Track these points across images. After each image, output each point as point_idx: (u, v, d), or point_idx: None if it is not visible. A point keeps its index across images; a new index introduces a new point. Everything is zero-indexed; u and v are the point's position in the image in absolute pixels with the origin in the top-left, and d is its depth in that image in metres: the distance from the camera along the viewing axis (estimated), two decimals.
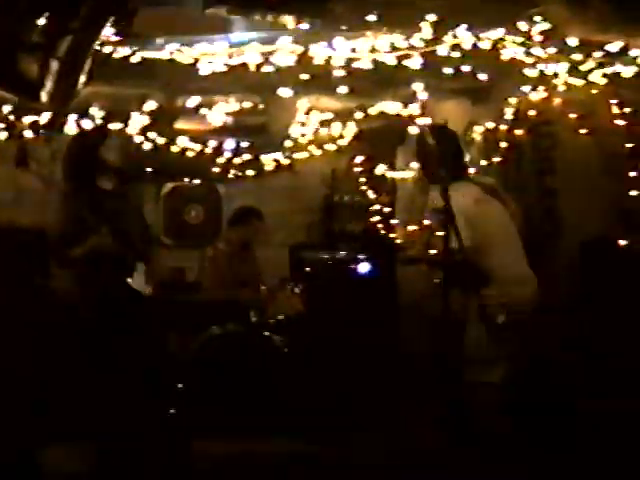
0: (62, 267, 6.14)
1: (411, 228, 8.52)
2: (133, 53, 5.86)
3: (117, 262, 5.88)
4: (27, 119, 7.41)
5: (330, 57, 5.97)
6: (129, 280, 6.03)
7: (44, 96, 5.57)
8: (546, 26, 5.67)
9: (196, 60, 6.03)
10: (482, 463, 5.12)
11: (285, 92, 6.45)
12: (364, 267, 9.17)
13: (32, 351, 6.19)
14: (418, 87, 6.79)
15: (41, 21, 5.09)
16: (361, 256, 9.14)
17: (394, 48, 5.87)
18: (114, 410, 5.87)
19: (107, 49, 5.78)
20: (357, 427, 6.77)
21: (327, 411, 7.20)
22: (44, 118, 7.36)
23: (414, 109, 7.56)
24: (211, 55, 5.94)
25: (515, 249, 5.55)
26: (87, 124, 7.32)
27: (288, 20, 5.63)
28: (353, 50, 5.94)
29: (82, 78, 5.57)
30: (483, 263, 5.35)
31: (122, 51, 5.84)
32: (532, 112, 7.07)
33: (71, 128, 7.40)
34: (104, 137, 6.05)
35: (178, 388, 7.06)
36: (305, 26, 5.63)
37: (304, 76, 6.29)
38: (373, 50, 5.91)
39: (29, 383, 5.86)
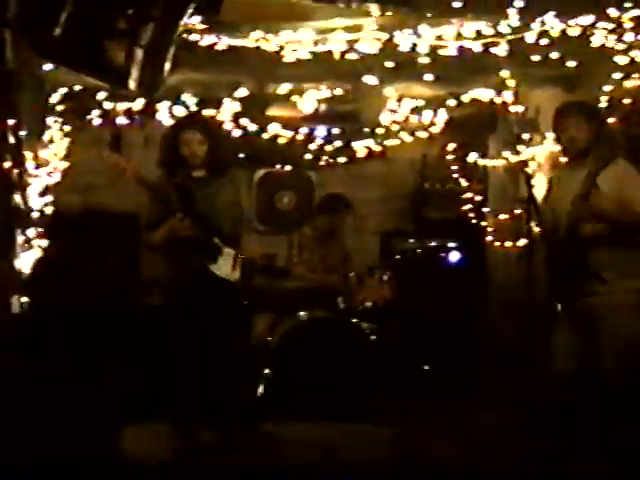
0: (148, 251, 6.27)
1: (503, 217, 8.48)
2: (219, 40, 5.90)
3: (198, 248, 5.96)
4: (121, 105, 7.56)
5: (415, 44, 5.92)
6: (213, 266, 6.10)
7: (132, 83, 5.65)
8: (637, 12, 5.53)
9: (281, 48, 6.05)
10: None
11: (371, 80, 6.41)
12: (454, 256, 9.12)
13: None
14: (507, 75, 6.69)
15: (126, 9, 5.17)
16: (451, 244, 9.10)
17: (480, 35, 5.80)
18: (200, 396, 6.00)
19: (194, 37, 5.83)
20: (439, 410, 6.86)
21: (412, 396, 7.23)
22: (137, 105, 7.50)
23: (506, 97, 7.49)
24: (296, 43, 5.95)
25: None
26: (179, 111, 7.43)
27: (373, 7, 5.61)
28: (439, 37, 5.88)
29: (167, 66, 5.63)
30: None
31: (208, 39, 5.89)
32: (626, 100, 6.91)
33: (163, 115, 7.52)
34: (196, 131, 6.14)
35: (265, 373, 7.16)
36: (389, 13, 5.60)
37: (389, 64, 6.23)
38: (459, 37, 5.85)
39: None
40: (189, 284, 5.97)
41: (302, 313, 7.48)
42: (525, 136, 7.82)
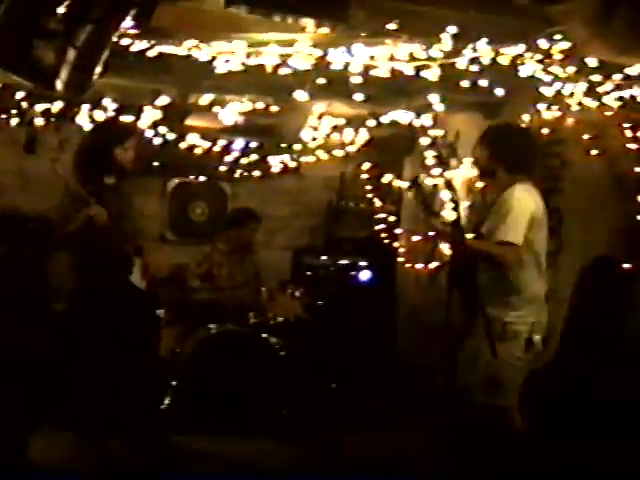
0: (60, 249, 6.16)
1: (415, 238, 8.56)
2: (151, 47, 5.82)
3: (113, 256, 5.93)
4: (39, 107, 7.40)
5: (348, 63, 5.94)
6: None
7: (59, 84, 5.53)
8: (566, 45, 5.64)
9: (213, 58, 6.00)
10: None
11: (301, 95, 6.41)
12: (365, 274, 9.18)
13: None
14: (433, 98, 6.77)
15: (61, 8, 5.05)
16: (363, 263, 9.16)
17: (413, 58, 5.84)
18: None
19: (124, 41, 5.74)
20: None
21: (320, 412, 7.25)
22: (56, 106, 7.35)
23: (426, 120, 7.57)
24: (229, 54, 5.91)
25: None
26: (99, 115, 7.31)
27: (308, 23, 5.59)
28: (371, 57, 5.91)
29: (98, 69, 5.53)
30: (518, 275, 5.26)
31: (139, 44, 5.80)
32: (544, 130, 7.05)
33: (83, 118, 7.40)
34: (125, 138, 6.12)
35: (172, 385, 7.09)
36: (325, 30, 5.60)
37: (320, 80, 6.24)
38: (392, 58, 5.89)
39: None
40: (106, 292, 5.90)
41: (212, 325, 7.43)
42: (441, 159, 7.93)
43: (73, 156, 6.18)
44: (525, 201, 5.26)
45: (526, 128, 6.32)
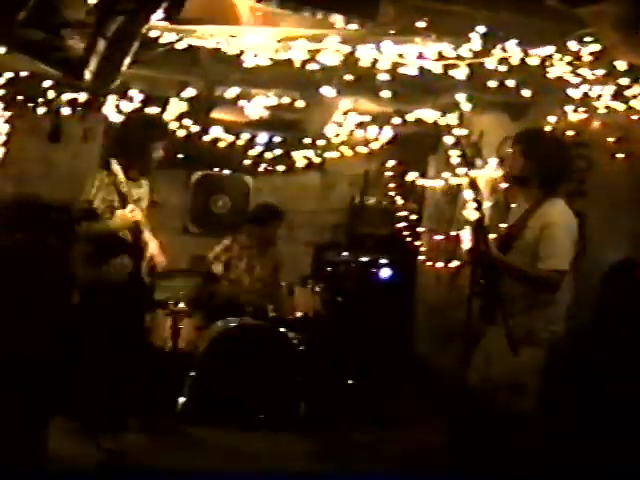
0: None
1: (437, 237, 8.56)
2: (180, 39, 5.82)
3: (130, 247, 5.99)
4: (66, 96, 7.42)
5: (376, 60, 5.92)
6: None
7: (88, 74, 5.57)
8: (596, 47, 5.61)
9: (241, 52, 6.00)
10: None
11: (327, 91, 6.41)
12: (385, 272, 9.18)
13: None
14: (459, 97, 6.75)
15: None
16: (383, 260, 9.16)
17: (441, 56, 5.83)
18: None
19: (154, 33, 5.74)
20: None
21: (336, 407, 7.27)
22: (83, 96, 7.37)
23: (451, 119, 7.55)
24: (258, 48, 5.91)
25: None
26: (126, 106, 7.33)
27: (337, 19, 5.59)
28: (400, 55, 5.90)
29: (127, 60, 5.56)
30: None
31: (169, 36, 5.81)
32: (570, 132, 7.02)
33: (109, 109, 7.42)
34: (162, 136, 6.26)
35: (191, 377, 7.10)
36: (354, 26, 5.60)
37: (348, 77, 6.24)
38: (420, 57, 5.87)
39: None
40: (124, 284, 5.95)
41: (231, 319, 7.44)
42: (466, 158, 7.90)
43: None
44: (570, 224, 5.27)
45: (565, 143, 6.17)
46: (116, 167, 5.88)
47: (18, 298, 5.33)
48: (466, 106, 6.80)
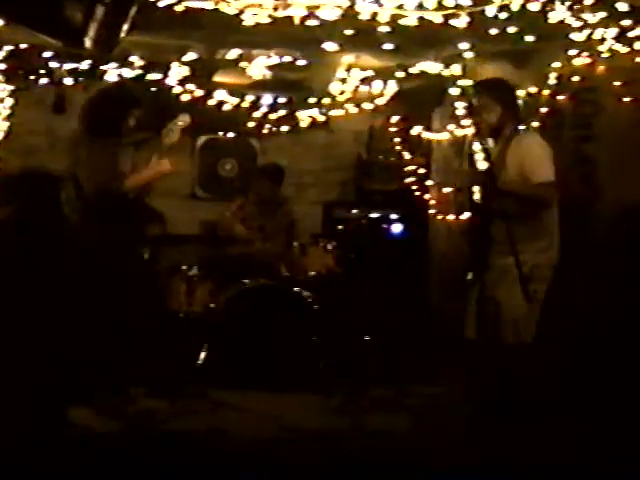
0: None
1: (446, 190, 8.53)
2: (178, 2, 5.79)
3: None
4: (67, 66, 7.40)
5: (376, 13, 5.88)
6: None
7: (87, 42, 5.53)
8: None
9: (241, 11, 5.96)
10: None
11: (329, 46, 6.38)
12: (396, 227, 9.17)
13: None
14: (462, 48, 6.70)
15: None
16: (394, 216, 9.15)
17: (441, 6, 5.78)
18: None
19: None
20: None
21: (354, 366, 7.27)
22: (84, 65, 7.35)
23: (454, 70, 7.50)
24: (256, 7, 5.87)
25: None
26: (127, 73, 7.31)
27: None
28: (399, 7, 5.85)
29: (126, 26, 5.52)
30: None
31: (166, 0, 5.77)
32: (575, 78, 6.98)
33: (111, 76, 7.40)
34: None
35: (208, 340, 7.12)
36: None
37: (348, 31, 6.19)
38: (420, 7, 5.82)
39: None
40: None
41: (246, 280, 7.44)
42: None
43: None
44: (544, 144, 5.71)
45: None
46: None
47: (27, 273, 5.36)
48: (469, 55, 6.76)
